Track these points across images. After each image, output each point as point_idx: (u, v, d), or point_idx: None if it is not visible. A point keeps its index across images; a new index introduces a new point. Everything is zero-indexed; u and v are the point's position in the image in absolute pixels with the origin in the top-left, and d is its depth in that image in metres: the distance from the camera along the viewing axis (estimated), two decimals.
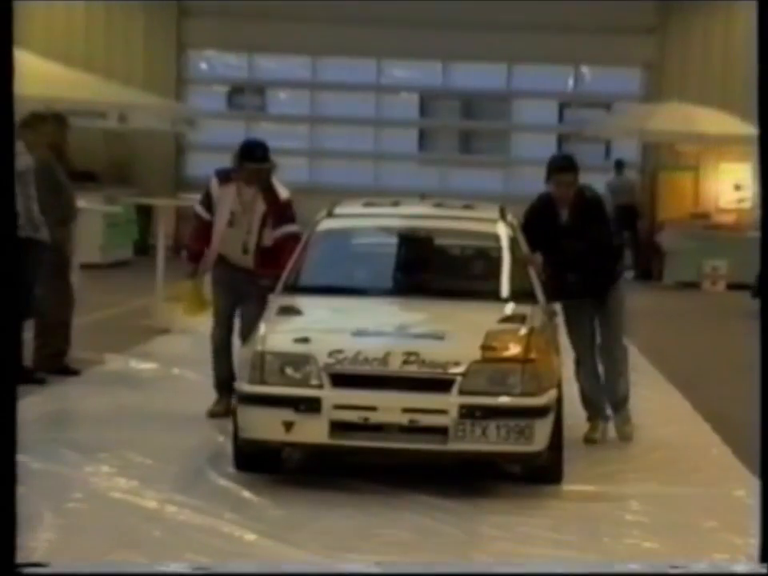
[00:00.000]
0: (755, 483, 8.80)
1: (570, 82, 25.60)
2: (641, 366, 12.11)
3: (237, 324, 10.32)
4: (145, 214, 22.44)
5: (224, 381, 9.99)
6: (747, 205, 24.14)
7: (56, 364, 11.81)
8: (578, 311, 9.61)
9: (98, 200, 19.02)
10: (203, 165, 23.66)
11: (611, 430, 9.72)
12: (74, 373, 11.93)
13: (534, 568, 6.08)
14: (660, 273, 22.61)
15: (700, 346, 15.63)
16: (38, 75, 20.54)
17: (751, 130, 22.25)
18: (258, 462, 8.04)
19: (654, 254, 23.01)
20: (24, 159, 11.54)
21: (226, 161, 26.69)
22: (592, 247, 9.33)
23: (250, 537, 7.10)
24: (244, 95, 26.45)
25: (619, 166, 23.02)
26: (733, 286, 21.32)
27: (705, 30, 23.95)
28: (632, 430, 9.65)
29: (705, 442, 10.13)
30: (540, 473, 8.00)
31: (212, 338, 10.28)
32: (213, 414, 10.02)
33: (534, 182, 21.91)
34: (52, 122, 12.17)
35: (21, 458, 8.76)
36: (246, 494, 7.87)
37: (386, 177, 24.51)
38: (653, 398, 11.07)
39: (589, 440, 9.55)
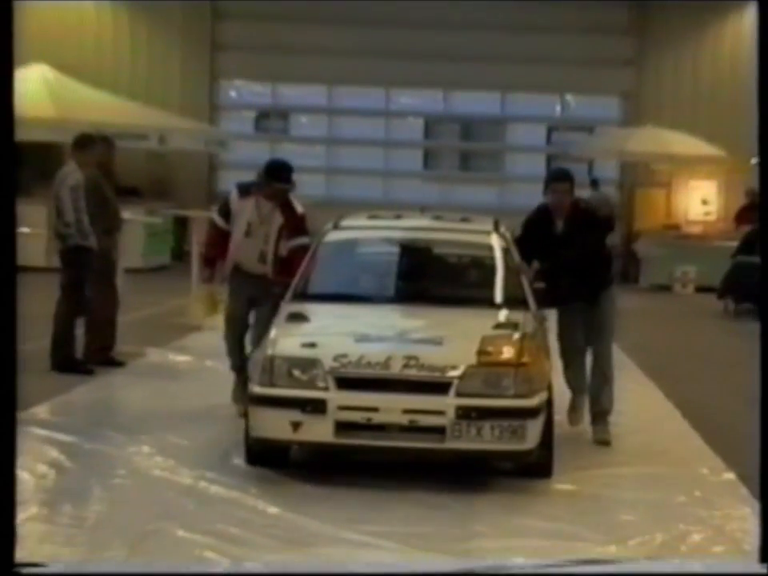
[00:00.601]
0: (719, 463, 8.92)
1: (557, 109, 25.61)
2: (617, 358, 12.10)
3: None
4: (181, 225, 22.57)
5: (238, 367, 9.79)
6: (713, 217, 24.23)
7: (103, 356, 11.89)
8: (570, 316, 9.27)
9: (140, 212, 19.07)
10: (233, 181, 23.46)
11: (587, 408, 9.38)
12: (118, 364, 12.00)
13: (534, 568, 5.76)
14: (636, 277, 22.62)
15: (671, 341, 15.63)
16: (89, 102, 20.69)
17: (716, 151, 22.38)
18: (268, 458, 7.81)
19: (631, 260, 23.04)
20: (75, 176, 11.62)
21: (254, 177, 26.61)
22: (585, 255, 9.04)
23: (273, 510, 7.15)
24: (269, 120, 26.48)
25: (594, 183, 22.97)
26: (700, 289, 21.34)
27: (675, 62, 23.97)
28: (610, 437, 9.19)
29: (676, 428, 10.15)
30: (531, 469, 7.76)
31: (225, 339, 9.95)
32: (236, 399, 9.73)
33: (525, 197, 21.96)
34: (100, 143, 12.22)
35: (72, 438, 8.96)
36: (269, 473, 7.88)
37: (394, 192, 24.52)
38: (629, 387, 11.00)
39: (571, 422, 9.39)
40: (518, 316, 8.24)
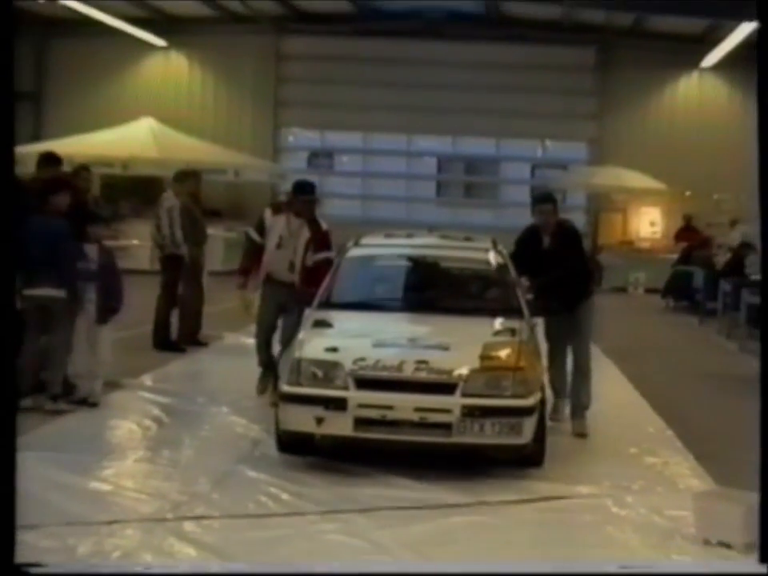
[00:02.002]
0: (661, 423, 8.87)
1: (539, 151, 25.49)
2: None
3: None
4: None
5: (265, 363, 9.05)
6: (658, 236, 24.21)
7: (192, 339, 11.94)
8: (556, 323, 8.41)
9: (221, 229, 19.09)
10: None
11: (567, 408, 8.47)
12: (203, 344, 12.05)
13: (534, 568, 5.05)
14: (600, 281, 22.61)
15: (625, 330, 15.56)
16: (183, 146, 20.79)
17: (660, 185, 22.33)
18: (295, 447, 6.95)
19: (596, 268, 23.01)
20: (171, 201, 11.71)
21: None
22: (569, 269, 8.25)
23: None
24: (318, 158, 26.42)
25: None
26: (648, 290, 21.26)
27: (629, 117, 23.89)
28: (587, 430, 8.22)
29: (627, 396, 10.09)
30: (525, 459, 6.93)
31: (256, 338, 9.12)
32: (261, 390, 9.02)
33: (515, 218, 21.89)
34: (192, 177, 12.30)
35: (169, 400, 9.01)
36: None
37: (413, 214, 24.43)
38: (593, 366, 11.01)
39: (552, 419, 8.21)
40: (515, 323, 7.43)
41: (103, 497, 6.27)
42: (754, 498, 5.84)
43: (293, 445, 6.90)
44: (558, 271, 8.13)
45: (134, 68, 24.92)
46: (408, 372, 6.64)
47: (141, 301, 11.09)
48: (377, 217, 23.57)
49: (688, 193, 22.74)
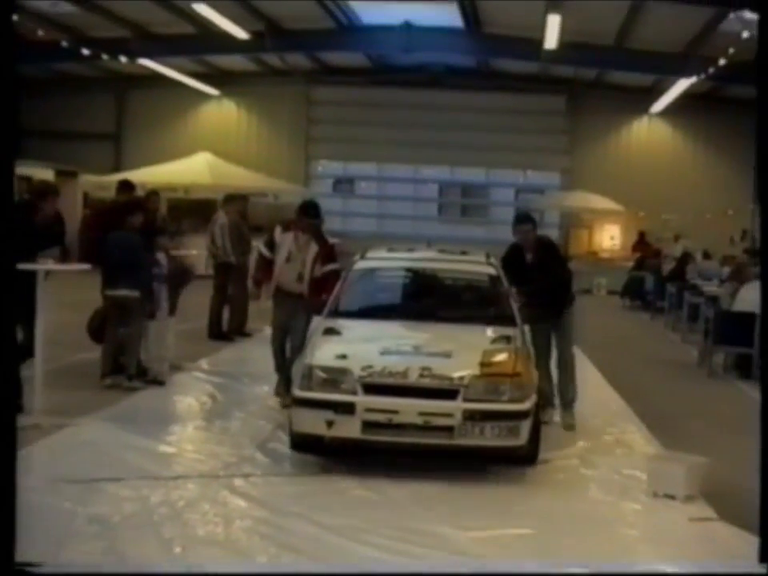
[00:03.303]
0: (621, 401, 8.80)
1: (521, 179, 25.49)
2: None
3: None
4: None
5: (281, 367, 8.12)
6: (617, 248, 24.14)
7: (239, 331, 11.92)
8: (540, 329, 7.60)
9: (262, 241, 19.08)
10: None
11: (556, 415, 7.68)
12: (248, 335, 12.02)
13: (534, 568, 4.59)
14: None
15: (592, 324, 15.49)
16: (232, 174, 20.80)
17: (619, 207, 22.28)
18: (307, 446, 6.14)
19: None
20: (222, 220, 11.71)
21: (332, 221, 26.56)
22: (552, 279, 7.54)
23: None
24: (341, 184, 26.41)
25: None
26: (609, 292, 21.20)
27: (594, 152, 23.86)
28: (575, 423, 7.55)
29: (594, 379, 9.85)
30: (521, 458, 6.14)
31: (272, 344, 8.22)
32: (278, 393, 8.07)
33: (503, 234, 21.66)
34: (239, 199, 12.30)
35: (221, 380, 8.97)
36: None
37: (419, 229, 24.26)
38: None
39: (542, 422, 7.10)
40: (509, 331, 6.69)
41: (169, 457, 6.28)
42: (694, 460, 5.87)
43: (304, 445, 6.15)
44: (542, 281, 7.44)
45: (193, 112, 24.98)
46: (413, 378, 5.95)
47: (198, 300, 11.11)
48: (389, 232, 23.50)
49: (642, 213, 22.69)
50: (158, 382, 8.55)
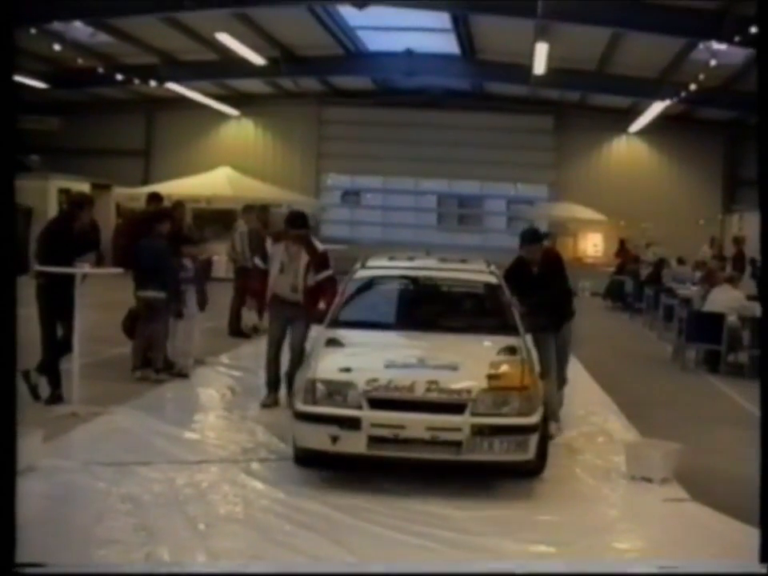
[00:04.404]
0: (603, 393, 8.76)
1: (512, 191, 25.43)
2: None
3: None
4: None
5: (272, 381, 7.52)
6: (600, 254, 24.04)
7: (256, 329, 11.84)
8: (545, 339, 6.84)
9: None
10: (328, 230, 23.86)
11: (562, 430, 6.91)
12: (265, 333, 11.90)
13: (534, 568, 4.28)
14: None
15: (576, 323, 15.52)
16: (250, 187, 20.81)
17: (601, 216, 22.26)
18: (311, 461, 5.54)
19: None
20: (242, 227, 11.67)
21: (341, 229, 26.52)
22: (556, 292, 6.94)
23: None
24: (349, 195, 26.35)
25: (546, 235, 22.50)
26: (593, 294, 21.10)
27: (578, 167, 23.78)
28: (557, 432, 6.71)
29: (578, 373, 9.75)
30: (528, 471, 5.54)
31: (267, 354, 7.59)
32: (264, 405, 7.38)
33: (496, 240, 21.84)
34: (258, 209, 12.20)
35: (240, 373, 8.91)
36: None
37: (420, 237, 24.15)
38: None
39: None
40: (514, 341, 6.01)
41: (193, 443, 6.28)
42: (669, 446, 5.86)
43: (308, 460, 5.55)
44: (546, 293, 6.79)
45: (215, 131, 24.98)
46: (419, 392, 5.29)
47: (220, 300, 11.12)
48: (392, 239, 23.42)
49: (622, 222, 22.65)
50: (183, 375, 8.55)
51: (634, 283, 17.70)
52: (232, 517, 4.80)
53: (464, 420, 5.19)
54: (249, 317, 11.27)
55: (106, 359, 8.81)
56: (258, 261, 7.68)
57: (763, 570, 3.75)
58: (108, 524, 4.52)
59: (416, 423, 5.20)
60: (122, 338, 8.62)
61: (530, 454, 5.31)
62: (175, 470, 5.50)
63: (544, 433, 5.54)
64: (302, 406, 5.37)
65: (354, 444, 5.21)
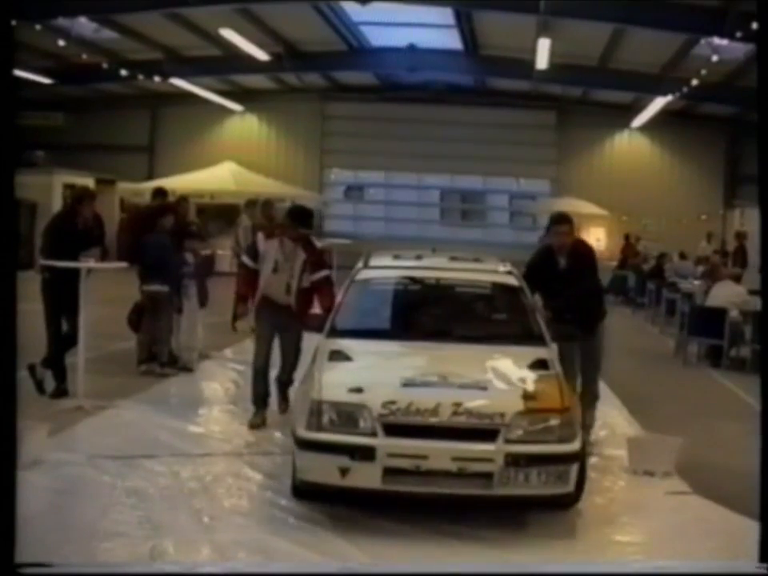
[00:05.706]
0: (604, 386, 8.69)
1: (515, 186, 25.42)
2: None
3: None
4: None
5: (261, 397, 6.57)
6: (603, 249, 23.93)
7: (253, 331, 11.78)
8: (570, 346, 5.90)
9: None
10: (332, 225, 23.94)
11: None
12: None
13: (535, 568, 4.04)
14: None
15: None
16: (253, 182, 20.75)
17: (604, 212, 22.24)
18: (314, 496, 4.71)
19: None
20: (246, 222, 11.56)
21: (344, 224, 26.50)
22: (585, 289, 6.08)
23: None
24: (352, 191, 26.34)
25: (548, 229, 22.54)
26: None
27: (579, 162, 23.75)
28: (590, 449, 5.69)
29: None
30: (565, 505, 4.71)
31: (254, 364, 6.64)
32: (253, 426, 6.43)
33: (498, 235, 21.85)
34: (261, 204, 12.08)
35: (243, 367, 8.66)
36: None
37: (423, 232, 24.22)
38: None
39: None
40: (542, 352, 5.20)
41: (198, 436, 6.27)
42: (671, 440, 5.86)
43: (312, 494, 4.69)
44: (574, 292, 5.94)
45: (219, 126, 24.97)
46: (445, 417, 4.44)
47: (223, 294, 11.10)
48: (395, 234, 23.47)
49: (625, 217, 22.63)
50: (188, 369, 8.55)
51: (637, 278, 17.68)
52: (237, 510, 4.79)
53: (497, 448, 4.39)
54: (249, 318, 11.26)
55: (111, 353, 8.80)
56: (245, 258, 6.78)
57: (763, 570, 3.63)
58: (113, 517, 4.52)
59: (440, 453, 4.40)
60: (126, 332, 8.61)
61: (571, 486, 4.51)
62: (180, 463, 5.49)
63: (583, 461, 4.71)
64: (304, 433, 4.52)
65: (368, 477, 4.40)
